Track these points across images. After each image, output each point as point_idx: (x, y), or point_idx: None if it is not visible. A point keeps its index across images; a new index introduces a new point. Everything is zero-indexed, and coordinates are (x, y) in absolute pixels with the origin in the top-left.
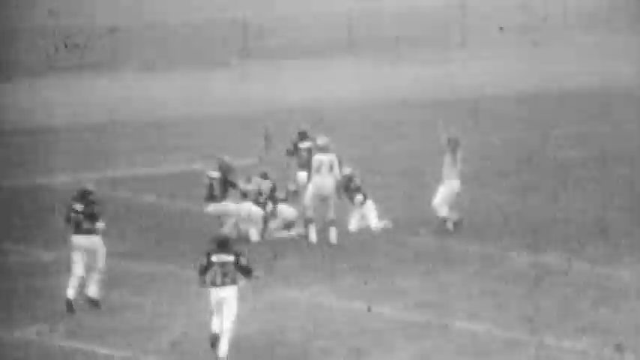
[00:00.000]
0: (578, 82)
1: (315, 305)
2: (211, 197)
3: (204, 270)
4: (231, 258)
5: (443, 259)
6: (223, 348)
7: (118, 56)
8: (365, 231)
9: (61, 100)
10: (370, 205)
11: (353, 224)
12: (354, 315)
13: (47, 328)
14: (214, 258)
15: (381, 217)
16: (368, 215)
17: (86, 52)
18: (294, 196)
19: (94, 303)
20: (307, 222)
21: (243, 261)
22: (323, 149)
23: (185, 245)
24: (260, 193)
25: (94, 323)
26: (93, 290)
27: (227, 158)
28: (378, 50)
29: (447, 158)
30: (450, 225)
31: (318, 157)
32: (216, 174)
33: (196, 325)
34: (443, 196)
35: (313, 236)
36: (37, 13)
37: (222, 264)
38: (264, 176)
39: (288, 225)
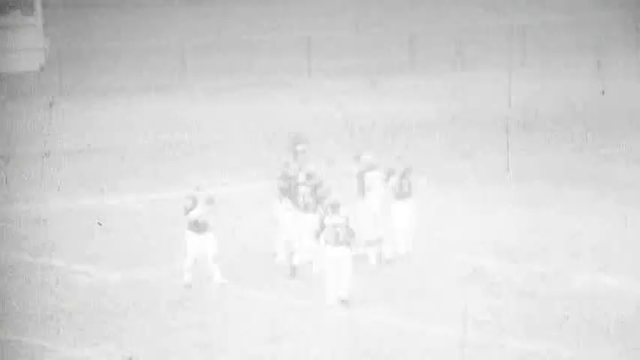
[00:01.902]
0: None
1: (375, 325)
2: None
3: (319, 232)
4: (342, 220)
5: (501, 279)
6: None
7: (184, 77)
8: (421, 250)
9: (128, 119)
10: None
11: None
12: (414, 335)
13: (114, 347)
14: (327, 220)
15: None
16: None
17: (153, 74)
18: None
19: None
20: (367, 244)
21: (350, 224)
22: (372, 166)
23: (251, 266)
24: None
25: (159, 342)
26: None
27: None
28: (439, 69)
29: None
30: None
31: (370, 175)
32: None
33: (259, 343)
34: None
35: (374, 259)
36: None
37: (334, 225)
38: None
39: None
